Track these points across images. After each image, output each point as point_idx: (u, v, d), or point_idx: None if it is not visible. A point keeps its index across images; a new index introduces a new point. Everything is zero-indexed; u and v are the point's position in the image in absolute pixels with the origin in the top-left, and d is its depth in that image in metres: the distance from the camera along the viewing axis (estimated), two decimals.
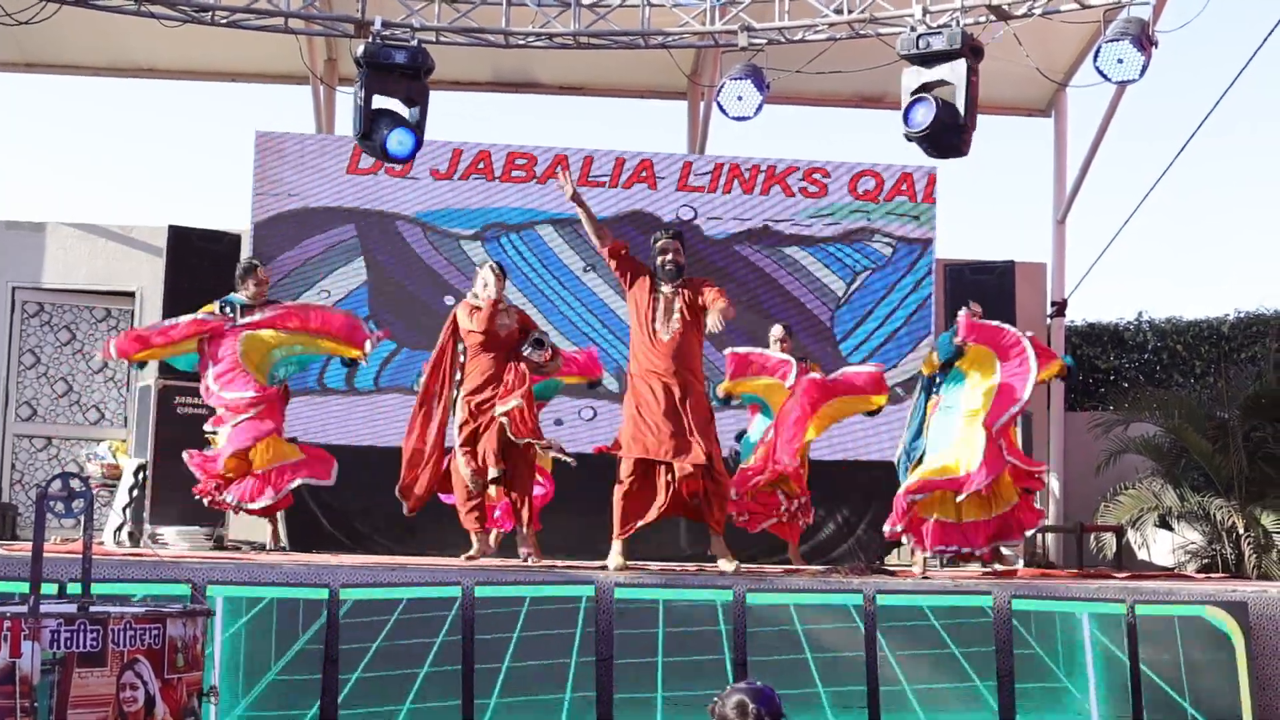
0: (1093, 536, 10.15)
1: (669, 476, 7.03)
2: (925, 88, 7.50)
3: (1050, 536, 10.91)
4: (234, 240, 10.31)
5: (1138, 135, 19.41)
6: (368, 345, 7.75)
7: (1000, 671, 5.97)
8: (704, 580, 6.46)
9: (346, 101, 8.42)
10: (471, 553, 7.34)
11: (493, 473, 7.23)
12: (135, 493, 8.69)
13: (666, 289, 7.16)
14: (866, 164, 10.97)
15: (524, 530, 7.28)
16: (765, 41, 8.41)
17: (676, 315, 7.08)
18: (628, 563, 7.05)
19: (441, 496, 7.66)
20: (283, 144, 10.57)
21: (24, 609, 3.66)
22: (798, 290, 10.82)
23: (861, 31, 8.38)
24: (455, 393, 7.44)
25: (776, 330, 8.77)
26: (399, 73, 7.77)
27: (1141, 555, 10.10)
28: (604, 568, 6.92)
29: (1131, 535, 9.92)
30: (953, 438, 7.34)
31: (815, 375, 8.21)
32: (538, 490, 7.81)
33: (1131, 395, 11.33)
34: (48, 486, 3.94)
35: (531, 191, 10.70)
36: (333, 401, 10.28)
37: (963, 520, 7.28)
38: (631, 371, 7.28)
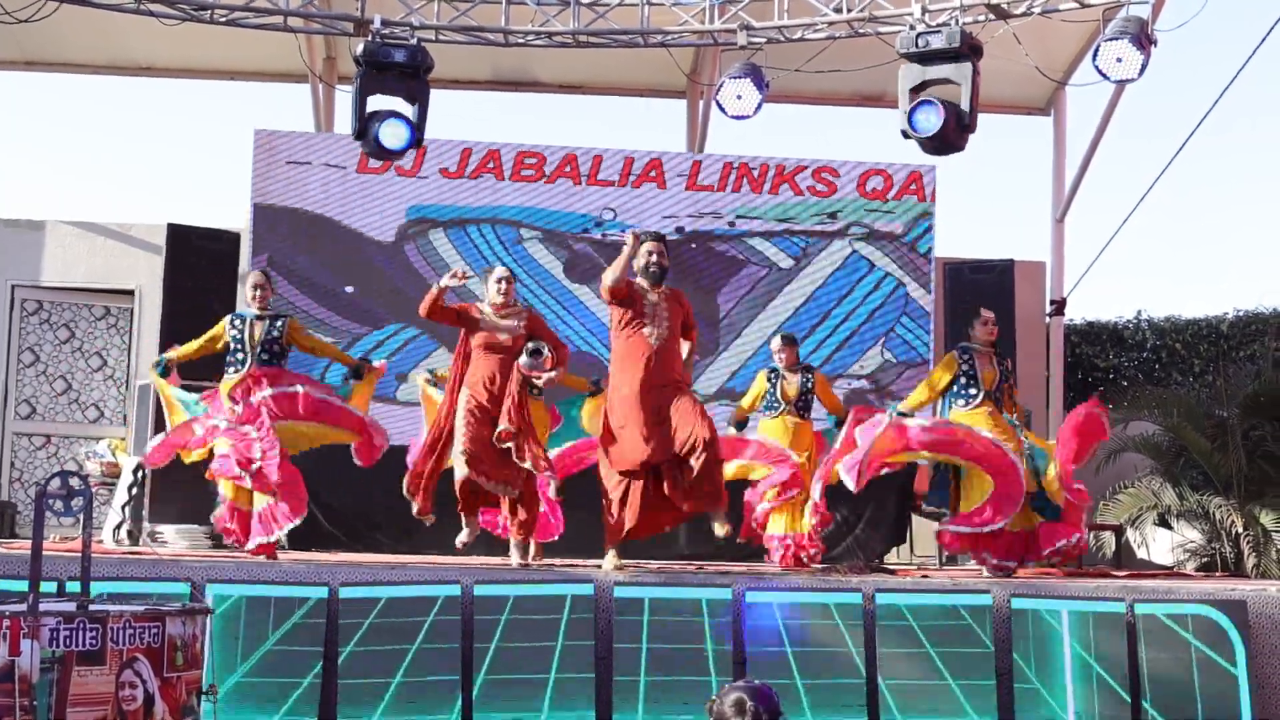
0: (1092, 535, 10.15)
1: (658, 479, 6.98)
2: (924, 86, 7.50)
3: None
4: (233, 238, 10.31)
5: (1137, 134, 19.44)
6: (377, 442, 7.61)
7: (1000, 671, 5.97)
8: (702, 579, 6.47)
9: (346, 100, 8.40)
10: (464, 537, 7.29)
11: (513, 491, 7.14)
12: (134, 491, 8.69)
13: (653, 296, 7.09)
14: (874, 163, 10.97)
15: (527, 545, 7.27)
16: (764, 40, 8.41)
17: (665, 322, 7.05)
18: (624, 562, 7.04)
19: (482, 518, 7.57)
20: (282, 142, 10.56)
21: (23, 607, 3.66)
22: (799, 289, 10.84)
23: (861, 30, 8.38)
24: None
25: (775, 342, 8.48)
26: (398, 71, 7.77)
27: (1141, 554, 10.10)
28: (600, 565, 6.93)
29: (1131, 534, 9.93)
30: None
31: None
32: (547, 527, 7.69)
33: (1130, 394, 11.33)
34: (47, 485, 3.94)
35: (539, 191, 10.71)
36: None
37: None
38: (614, 380, 7.13)
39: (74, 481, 3.98)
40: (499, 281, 7.20)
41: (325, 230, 10.50)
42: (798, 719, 5.72)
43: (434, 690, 5.75)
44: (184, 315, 9.22)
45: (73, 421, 11.08)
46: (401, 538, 8.89)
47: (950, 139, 7.51)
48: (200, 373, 7.92)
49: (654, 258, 7.08)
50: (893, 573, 7.57)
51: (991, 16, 8.00)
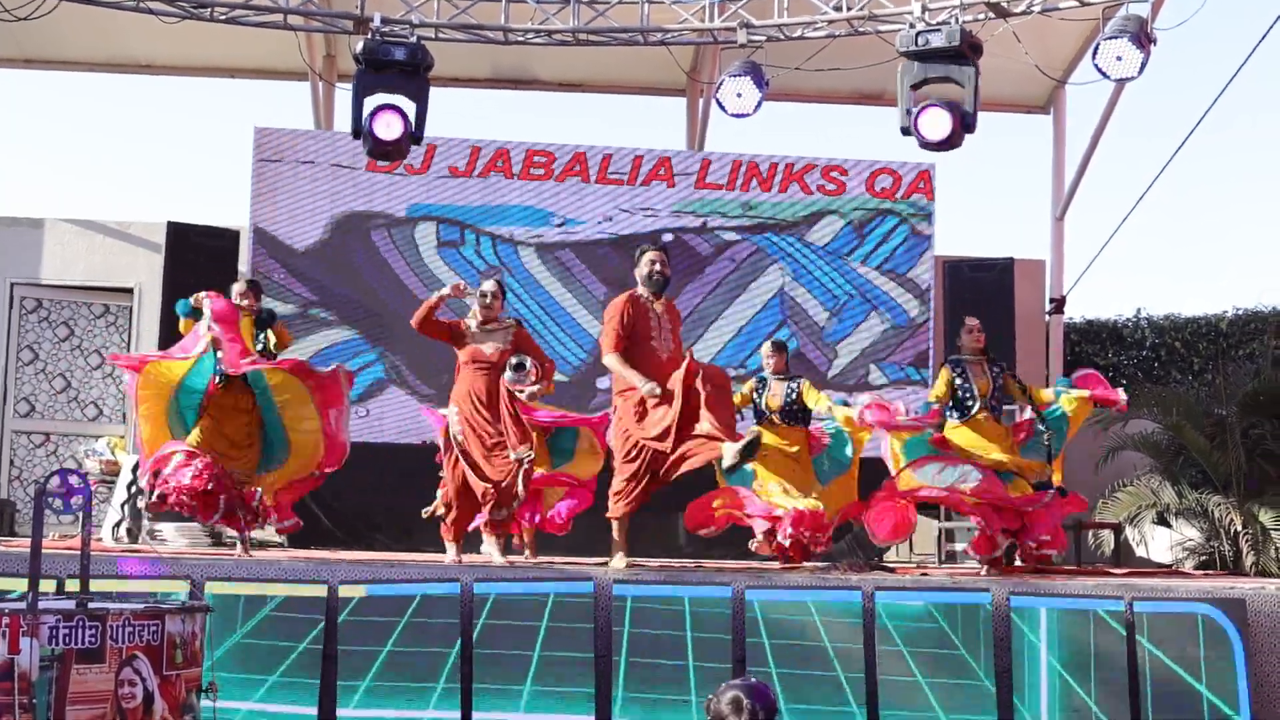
0: (1091, 533, 10.15)
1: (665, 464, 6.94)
2: (924, 84, 7.51)
3: None
4: (233, 236, 10.32)
5: (1136, 132, 19.44)
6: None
7: (999, 669, 5.97)
8: (702, 577, 6.47)
9: (345, 98, 8.40)
10: (454, 555, 7.26)
11: (505, 513, 7.12)
12: (133, 489, 8.68)
13: (658, 306, 7.06)
14: (886, 162, 10.99)
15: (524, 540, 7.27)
16: (764, 38, 8.41)
17: (668, 331, 7.04)
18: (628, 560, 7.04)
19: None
20: (282, 140, 10.57)
21: (22, 605, 3.66)
22: (802, 288, 10.87)
23: (860, 29, 8.39)
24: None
25: (766, 347, 8.22)
26: (398, 69, 7.77)
27: (1140, 552, 10.10)
28: (603, 563, 6.93)
29: (1130, 532, 9.92)
30: None
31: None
32: (571, 501, 7.67)
33: (1130, 392, 11.29)
34: (46, 483, 3.94)
35: (546, 190, 10.72)
36: None
37: None
38: (622, 390, 7.03)
39: (73, 480, 3.98)
40: (484, 295, 7.17)
41: (326, 228, 10.51)
42: (801, 715, 5.73)
43: (433, 686, 5.76)
44: None
45: (72, 420, 11.08)
46: (401, 537, 8.90)
47: (951, 137, 7.52)
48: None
49: (656, 266, 7.03)
50: (892, 570, 7.56)
51: (991, 15, 8.02)
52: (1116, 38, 7.44)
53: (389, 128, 7.77)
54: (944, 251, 11.04)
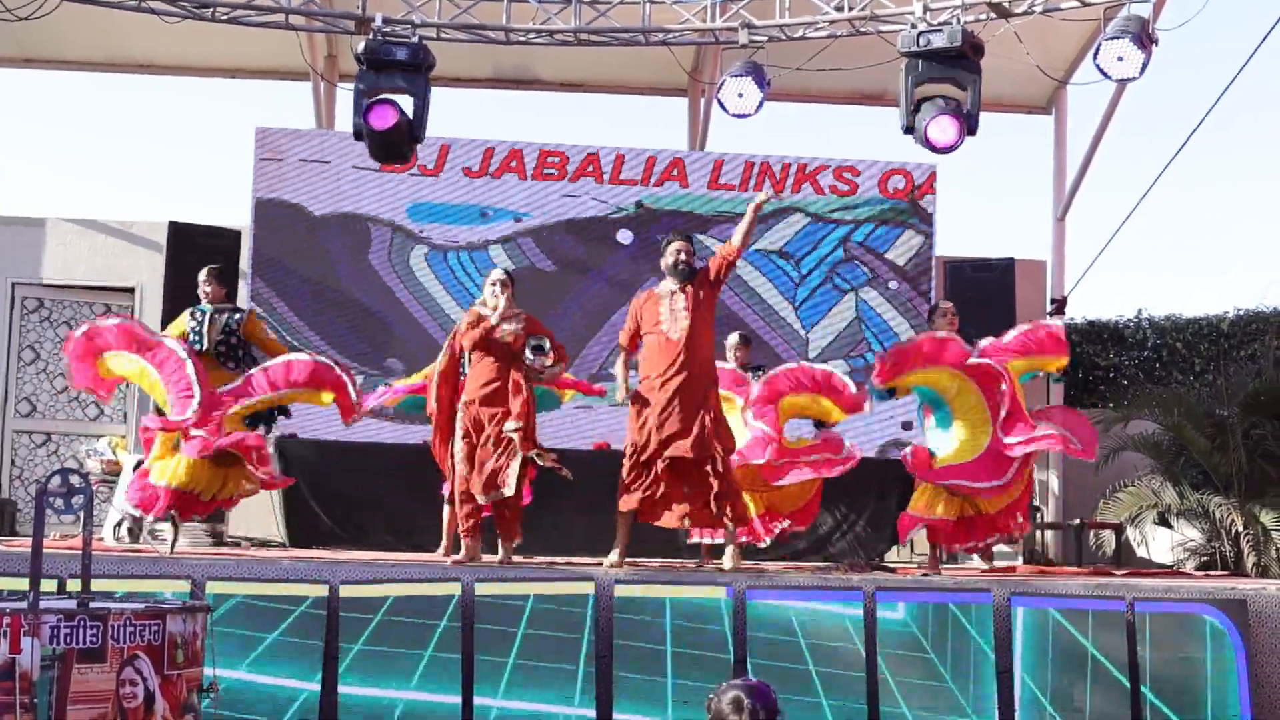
0: (1092, 533, 10.15)
1: (665, 466, 6.97)
2: (925, 84, 7.51)
3: (1049, 533, 10.92)
4: (234, 236, 10.32)
5: (1138, 133, 19.45)
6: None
7: (1000, 669, 5.97)
8: (702, 577, 6.47)
9: (347, 98, 8.41)
10: (459, 556, 7.26)
11: (508, 491, 7.13)
12: None
13: (674, 288, 7.09)
14: (900, 163, 11.02)
15: (508, 543, 7.26)
16: (765, 39, 8.42)
17: (684, 313, 7.05)
18: (625, 560, 7.03)
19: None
20: (283, 140, 10.57)
21: (24, 605, 3.66)
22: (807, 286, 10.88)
23: (862, 29, 8.40)
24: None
25: (732, 338, 8.33)
26: (400, 69, 7.78)
27: (1140, 553, 10.10)
28: (600, 563, 6.93)
29: (1131, 532, 9.92)
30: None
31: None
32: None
33: (1131, 393, 11.33)
34: (47, 482, 3.94)
35: (552, 190, 10.72)
36: None
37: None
38: (639, 385, 7.13)
39: (74, 479, 3.98)
40: (494, 284, 7.22)
41: (327, 227, 10.52)
42: (801, 714, 5.73)
43: (432, 683, 5.77)
44: None
45: (73, 419, 11.08)
46: (402, 537, 8.89)
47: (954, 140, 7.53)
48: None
49: (681, 256, 7.09)
50: (893, 571, 7.56)
51: (993, 15, 8.02)
52: (1118, 38, 7.44)
53: (382, 119, 7.78)
54: (945, 252, 11.05)
